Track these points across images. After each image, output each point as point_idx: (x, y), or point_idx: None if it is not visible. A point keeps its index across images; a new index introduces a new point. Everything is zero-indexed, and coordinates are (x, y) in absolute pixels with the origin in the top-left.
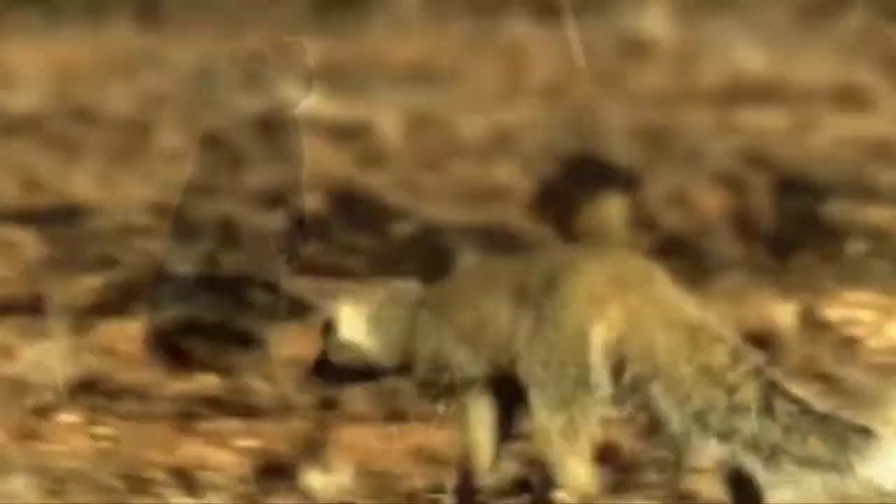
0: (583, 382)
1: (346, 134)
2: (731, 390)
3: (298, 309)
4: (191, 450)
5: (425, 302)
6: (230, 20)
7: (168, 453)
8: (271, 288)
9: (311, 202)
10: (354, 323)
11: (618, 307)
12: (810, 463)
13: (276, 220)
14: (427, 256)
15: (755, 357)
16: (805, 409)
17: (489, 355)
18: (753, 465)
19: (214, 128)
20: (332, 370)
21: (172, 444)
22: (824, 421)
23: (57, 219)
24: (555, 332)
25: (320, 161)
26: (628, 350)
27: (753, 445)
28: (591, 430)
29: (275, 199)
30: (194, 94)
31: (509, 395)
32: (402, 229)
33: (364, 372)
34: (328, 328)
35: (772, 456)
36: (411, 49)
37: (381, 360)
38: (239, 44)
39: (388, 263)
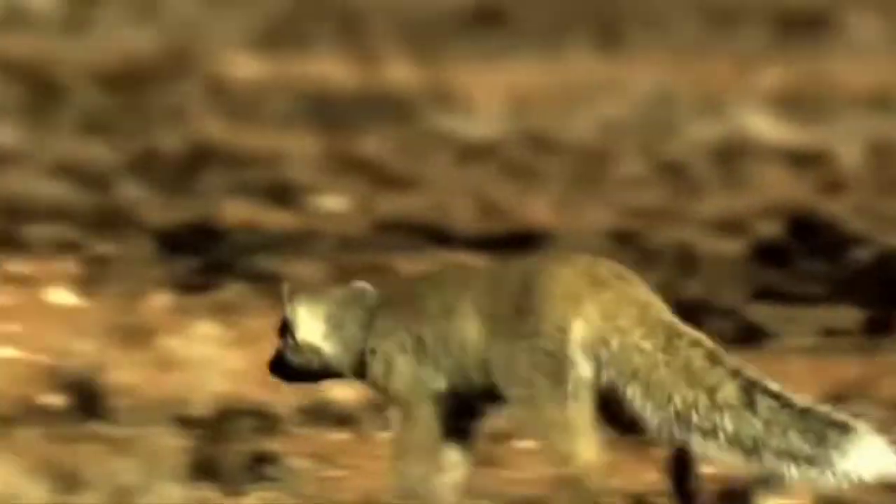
0: (564, 378)
1: (806, 161)
2: (712, 390)
3: (757, 335)
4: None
5: (383, 305)
6: (690, 46)
7: (629, 479)
8: (729, 314)
9: (771, 229)
10: (311, 324)
11: (594, 305)
12: (790, 456)
13: (734, 247)
14: (883, 283)
15: (732, 359)
16: (785, 404)
17: (452, 367)
18: (735, 460)
19: (673, 155)
20: (288, 370)
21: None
22: (803, 415)
23: (511, 244)
24: (534, 332)
25: (779, 188)
26: (606, 350)
27: (735, 441)
28: (588, 411)
29: (732, 225)
30: (653, 120)
31: (458, 406)
32: (859, 255)
33: (318, 373)
34: (285, 328)
35: (753, 450)
36: (871, 76)
37: (336, 362)
38: (698, 70)
39: (843, 290)
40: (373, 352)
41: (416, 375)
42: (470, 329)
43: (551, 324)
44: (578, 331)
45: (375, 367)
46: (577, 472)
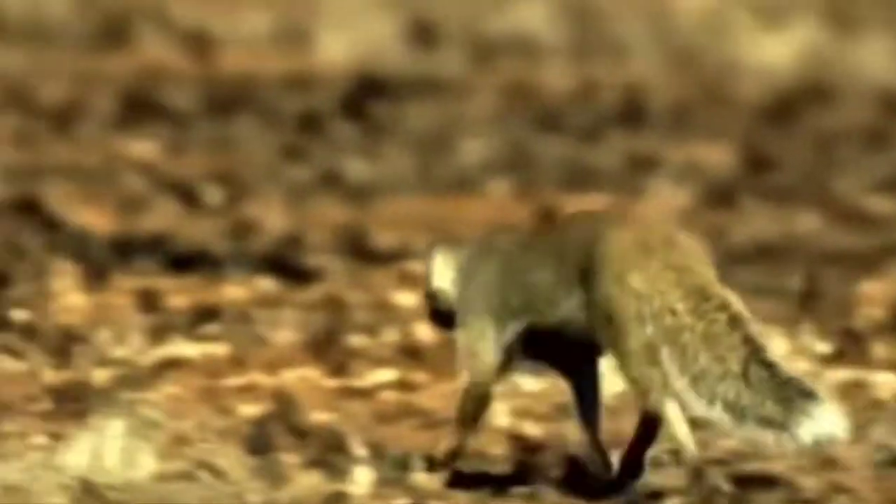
0: (640, 325)
1: None
2: (721, 360)
3: None
4: None
5: (496, 256)
6: None
7: None
8: None
9: None
10: (444, 272)
11: (640, 272)
12: (767, 422)
13: None
14: None
15: (750, 324)
16: (773, 374)
17: (533, 315)
18: (724, 421)
19: None
20: (436, 316)
21: None
22: (782, 385)
23: None
24: (599, 290)
25: None
26: (649, 309)
27: (730, 407)
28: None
29: None
30: None
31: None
32: None
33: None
34: (427, 278)
35: (741, 416)
36: None
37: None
38: None
39: None
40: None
41: (485, 332)
42: (552, 283)
43: (608, 285)
44: (628, 292)
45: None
46: (646, 396)
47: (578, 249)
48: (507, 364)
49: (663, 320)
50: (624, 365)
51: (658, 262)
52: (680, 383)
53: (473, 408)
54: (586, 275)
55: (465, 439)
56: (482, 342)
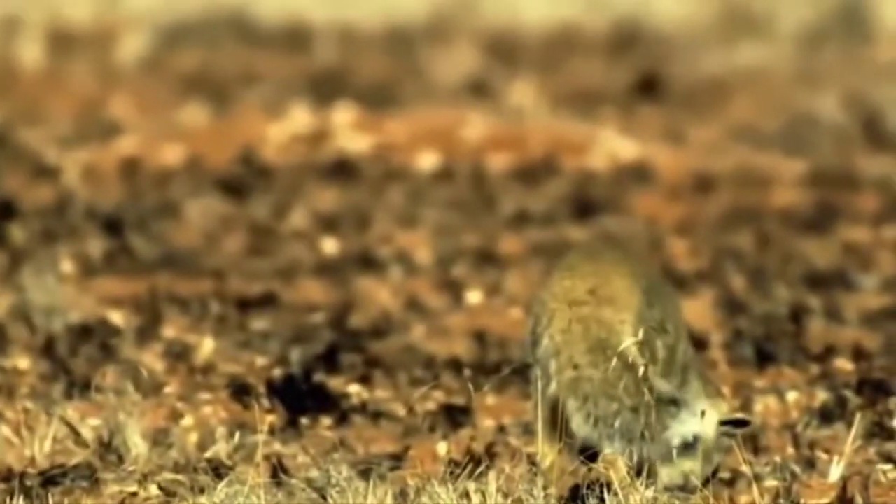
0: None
1: None
2: (617, 400)
3: None
4: None
5: None
6: None
7: None
8: None
9: None
10: None
11: (558, 323)
12: (650, 437)
13: None
14: None
15: (641, 369)
16: (658, 399)
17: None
18: (621, 449)
19: None
20: None
21: None
22: (659, 402)
23: None
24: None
25: None
26: (554, 366)
27: (624, 435)
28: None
29: None
30: None
31: None
32: None
33: None
34: None
35: (631, 439)
36: None
37: None
38: None
39: None
40: None
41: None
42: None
43: (540, 325)
44: (551, 342)
45: None
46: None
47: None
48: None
49: (564, 375)
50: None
51: (574, 314)
52: (584, 430)
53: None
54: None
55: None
56: None
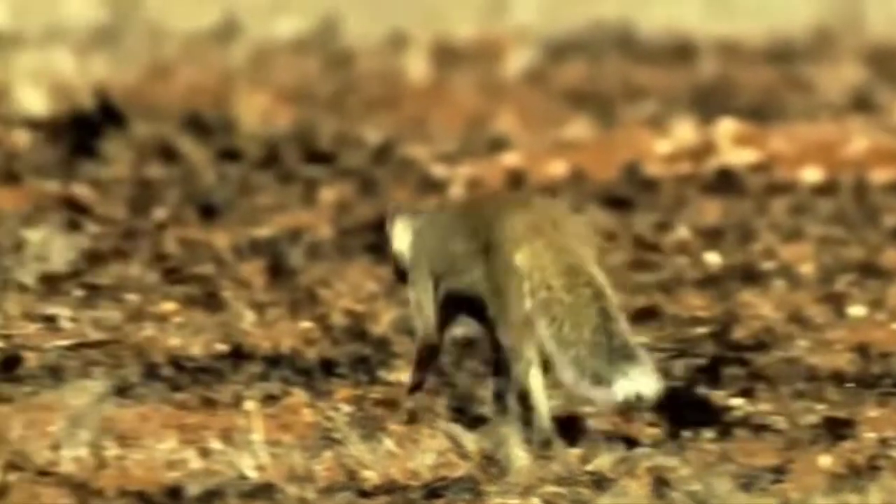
0: (520, 299)
1: None
2: (579, 327)
3: None
4: None
5: (435, 224)
6: None
7: None
8: None
9: None
10: (403, 236)
11: (525, 250)
12: (597, 380)
13: None
14: None
15: (607, 299)
16: (611, 340)
17: (450, 281)
18: (569, 378)
19: None
20: (399, 275)
21: None
22: (614, 349)
23: None
24: (494, 264)
25: None
26: (526, 286)
27: (577, 366)
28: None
29: None
30: None
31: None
32: None
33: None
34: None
35: (582, 373)
36: None
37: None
38: None
39: None
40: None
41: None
42: (463, 253)
43: (498, 261)
44: (513, 269)
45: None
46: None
47: (484, 226)
48: (444, 318)
49: (539, 294)
50: (504, 334)
51: (542, 242)
52: (550, 347)
53: (425, 354)
54: (486, 250)
55: (421, 378)
56: (424, 300)
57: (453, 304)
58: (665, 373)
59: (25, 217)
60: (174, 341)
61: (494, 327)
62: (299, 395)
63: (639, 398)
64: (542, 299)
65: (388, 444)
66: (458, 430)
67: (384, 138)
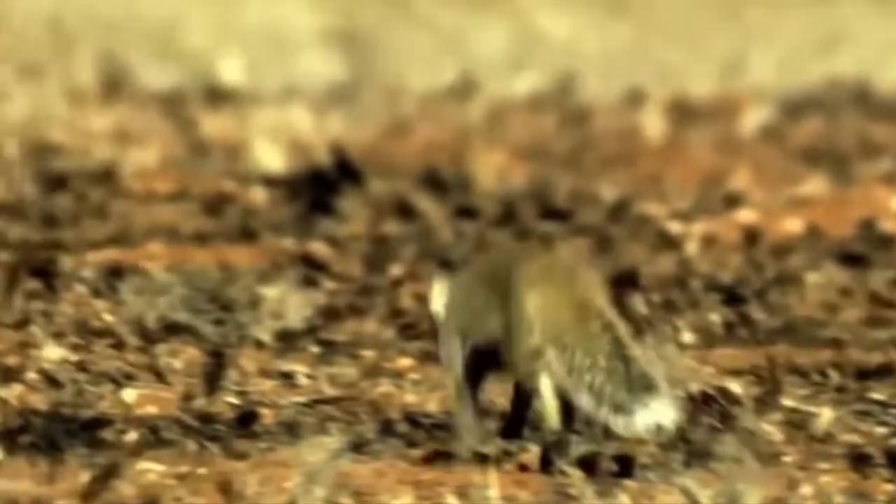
0: (530, 334)
1: None
2: (593, 355)
3: None
4: None
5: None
6: None
7: None
8: None
9: None
10: (439, 296)
11: (538, 292)
12: (617, 408)
13: None
14: None
15: (620, 330)
16: (629, 368)
17: (475, 336)
18: (587, 405)
19: None
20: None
21: None
22: (633, 378)
23: None
24: (508, 308)
25: None
26: (537, 323)
27: (594, 393)
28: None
29: None
30: None
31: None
32: None
33: None
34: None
35: (600, 401)
36: None
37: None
38: None
39: None
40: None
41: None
42: (484, 305)
43: (515, 302)
44: (524, 310)
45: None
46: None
47: (503, 276)
48: (475, 376)
49: (550, 328)
50: (513, 368)
51: (553, 283)
52: (560, 374)
53: (457, 406)
54: (503, 297)
55: (461, 430)
56: (451, 358)
57: (482, 361)
58: None
59: (262, 274)
60: (410, 397)
61: (509, 369)
62: (534, 451)
63: (659, 429)
64: (552, 331)
65: (624, 499)
66: (693, 485)
67: (620, 195)
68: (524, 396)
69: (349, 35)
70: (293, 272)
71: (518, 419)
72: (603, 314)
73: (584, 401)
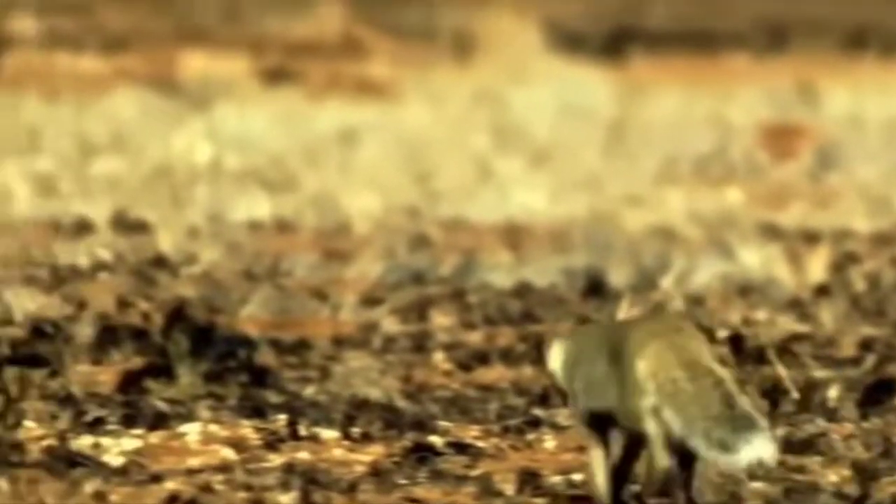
0: (645, 396)
1: None
2: (706, 408)
3: None
4: None
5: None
6: None
7: None
8: None
9: None
10: (557, 356)
11: (649, 356)
12: (723, 447)
13: None
14: None
15: (729, 385)
16: (733, 409)
17: (590, 401)
18: (700, 447)
19: None
20: (559, 390)
21: None
22: (738, 418)
23: None
24: (622, 375)
25: None
26: (651, 386)
27: (705, 437)
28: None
29: None
30: None
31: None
32: None
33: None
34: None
35: (709, 443)
36: None
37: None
38: None
39: None
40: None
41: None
42: (601, 376)
43: (628, 367)
44: (638, 375)
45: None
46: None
47: (618, 346)
48: (596, 433)
49: (665, 389)
50: (626, 425)
51: (663, 344)
52: (677, 426)
53: (594, 462)
54: (617, 365)
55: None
56: (575, 417)
57: (599, 422)
58: None
59: None
60: None
61: (624, 430)
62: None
63: (759, 463)
64: (667, 392)
65: None
66: None
67: None
68: (633, 450)
69: None
70: None
71: (626, 472)
72: (714, 372)
73: (697, 445)
